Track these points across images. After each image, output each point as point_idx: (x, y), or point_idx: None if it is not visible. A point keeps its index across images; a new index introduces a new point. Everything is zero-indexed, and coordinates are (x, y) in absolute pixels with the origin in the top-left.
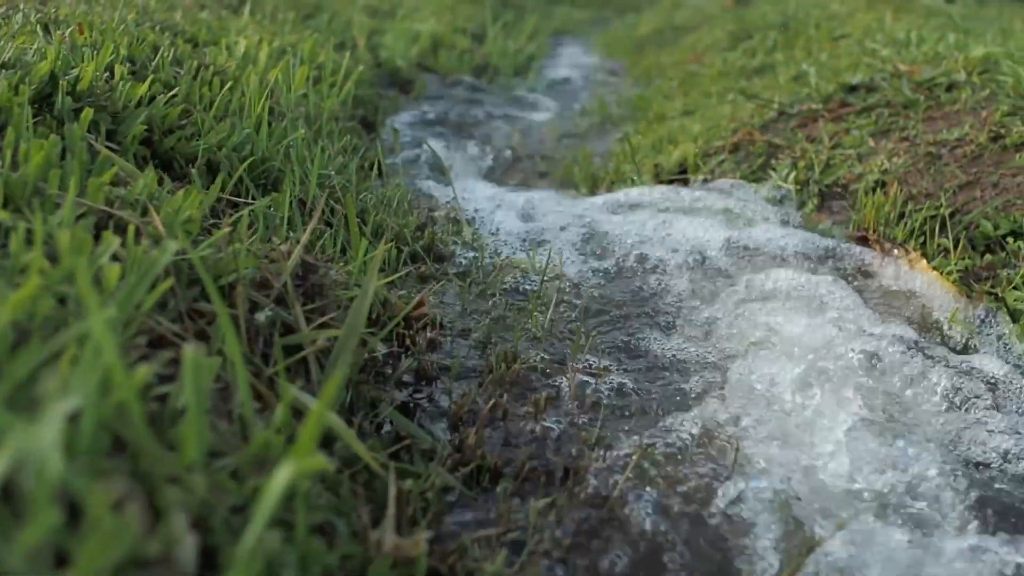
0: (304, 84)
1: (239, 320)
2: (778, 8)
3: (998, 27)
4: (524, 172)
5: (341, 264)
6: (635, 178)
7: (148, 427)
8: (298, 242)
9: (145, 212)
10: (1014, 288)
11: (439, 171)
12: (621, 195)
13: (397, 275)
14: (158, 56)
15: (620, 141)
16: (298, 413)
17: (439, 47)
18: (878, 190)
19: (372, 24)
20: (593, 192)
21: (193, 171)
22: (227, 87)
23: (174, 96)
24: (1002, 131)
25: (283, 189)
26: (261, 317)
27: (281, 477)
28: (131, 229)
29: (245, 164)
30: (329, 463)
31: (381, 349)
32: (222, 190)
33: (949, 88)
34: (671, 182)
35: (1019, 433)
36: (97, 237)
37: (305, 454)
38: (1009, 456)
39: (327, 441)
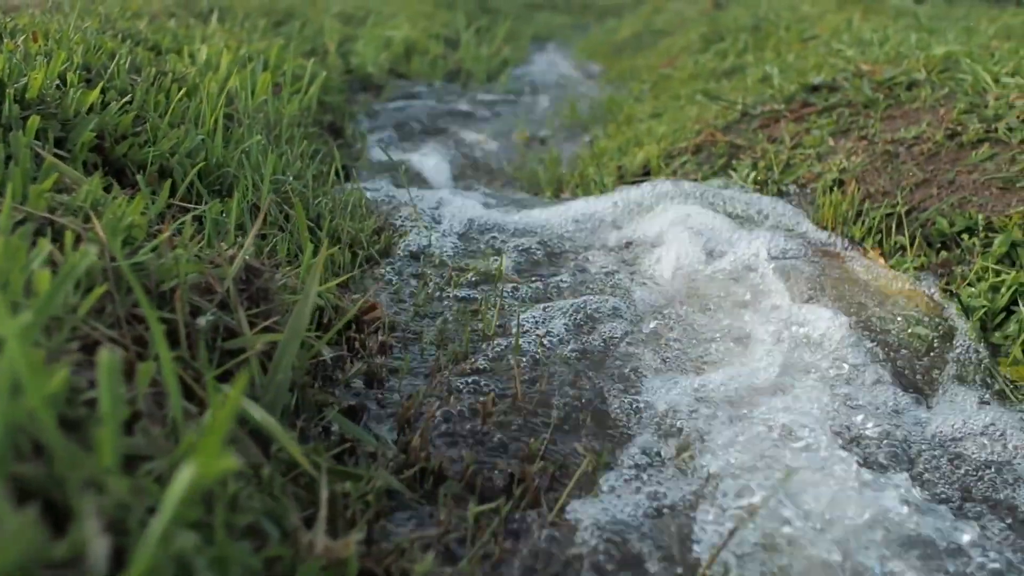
0: (266, 91)
1: (179, 325)
2: (750, 11)
3: (963, 26)
4: (490, 176)
5: (287, 268)
6: (597, 180)
7: (66, 431)
8: (242, 247)
9: (88, 219)
10: (968, 285)
11: (402, 175)
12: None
13: (345, 277)
14: (113, 63)
15: (587, 144)
16: (242, 420)
17: (412, 53)
18: (836, 189)
19: (346, 31)
20: (557, 195)
21: (139, 177)
22: (182, 93)
23: (128, 103)
24: (959, 129)
25: (236, 195)
26: (202, 322)
27: (182, 478)
28: (69, 235)
29: (195, 170)
30: (267, 466)
31: (328, 352)
32: (172, 196)
33: (909, 87)
34: (634, 183)
35: None
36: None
37: (211, 455)
38: None
39: (265, 443)
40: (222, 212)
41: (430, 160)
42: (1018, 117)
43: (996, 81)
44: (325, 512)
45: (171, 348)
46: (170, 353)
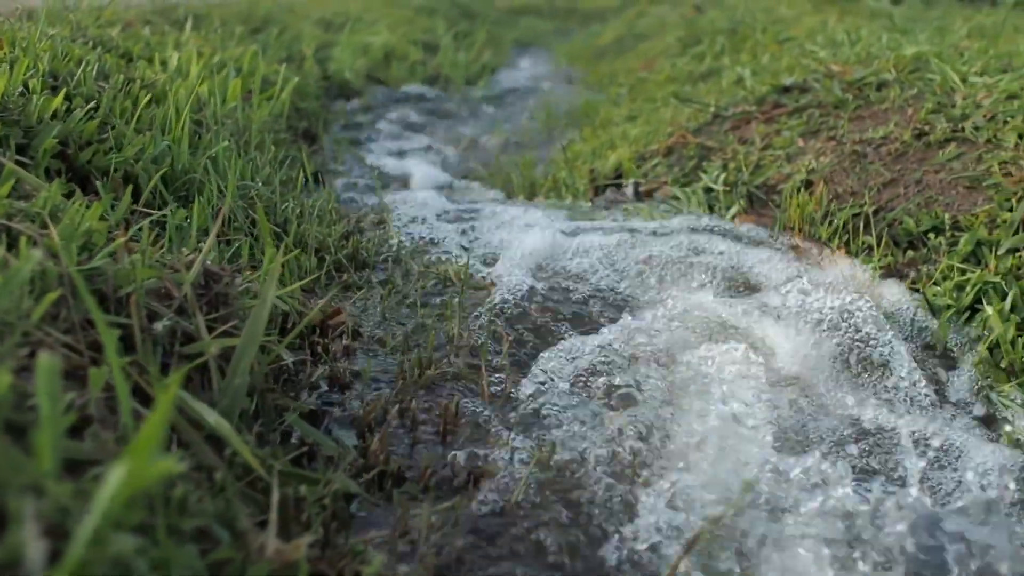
0: (236, 97)
1: (134, 330)
2: (727, 14)
3: (936, 27)
4: (465, 179)
5: (249, 273)
6: (569, 184)
7: (12, 436)
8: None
9: (46, 225)
10: (934, 284)
11: (375, 180)
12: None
13: (306, 281)
14: (80, 70)
15: (563, 148)
16: (199, 424)
17: (391, 59)
18: (803, 190)
19: (325, 37)
20: (531, 199)
21: (99, 184)
22: (147, 100)
23: (94, 110)
24: (926, 128)
25: (201, 200)
26: (159, 327)
27: (111, 481)
28: (23, 241)
29: (158, 176)
30: (221, 468)
31: (288, 357)
32: (135, 202)
33: (879, 87)
34: (607, 187)
35: None
36: None
37: (142, 458)
38: None
39: (221, 447)
40: (186, 218)
41: (404, 164)
42: (985, 116)
43: (964, 81)
44: (276, 515)
45: (127, 353)
46: (121, 358)
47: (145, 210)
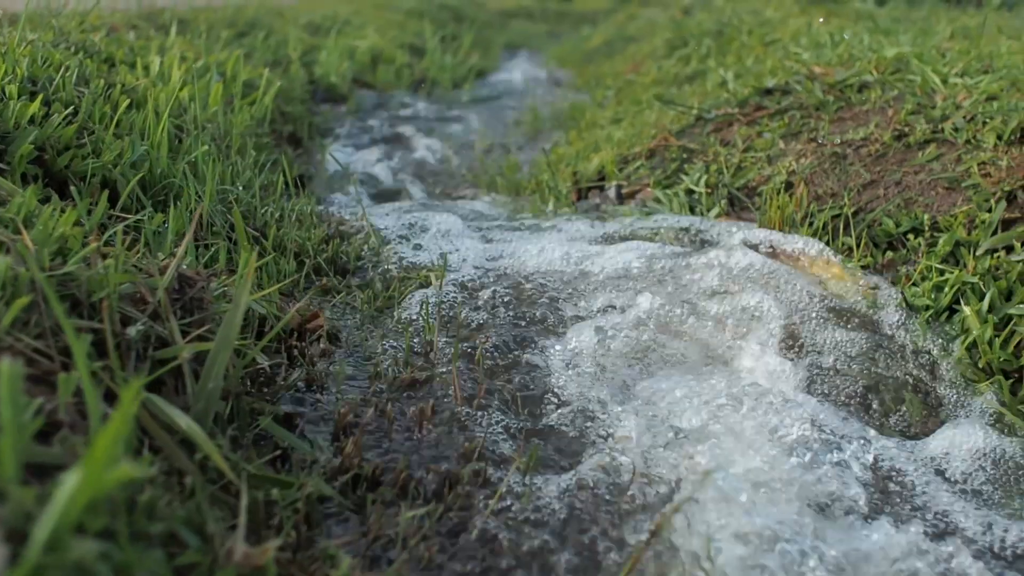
0: (218, 101)
1: (106, 335)
2: (714, 16)
3: (919, 28)
4: (449, 182)
5: (225, 277)
6: (552, 187)
7: None
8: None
9: (19, 230)
10: (913, 284)
11: (353, 184)
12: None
13: (283, 284)
14: (59, 75)
15: (544, 151)
16: (171, 428)
17: (378, 62)
18: (783, 191)
19: (312, 41)
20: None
21: (72, 189)
22: (126, 105)
23: (72, 115)
24: (906, 129)
25: (179, 205)
26: (132, 332)
27: (67, 487)
28: None
29: (134, 180)
30: (192, 471)
31: (264, 360)
32: (112, 207)
33: (860, 89)
34: (589, 190)
35: None
36: None
37: (98, 464)
38: None
39: (192, 450)
40: (164, 223)
41: (387, 167)
42: (964, 117)
43: (945, 82)
44: (244, 519)
45: (100, 358)
46: (94, 363)
47: (122, 215)
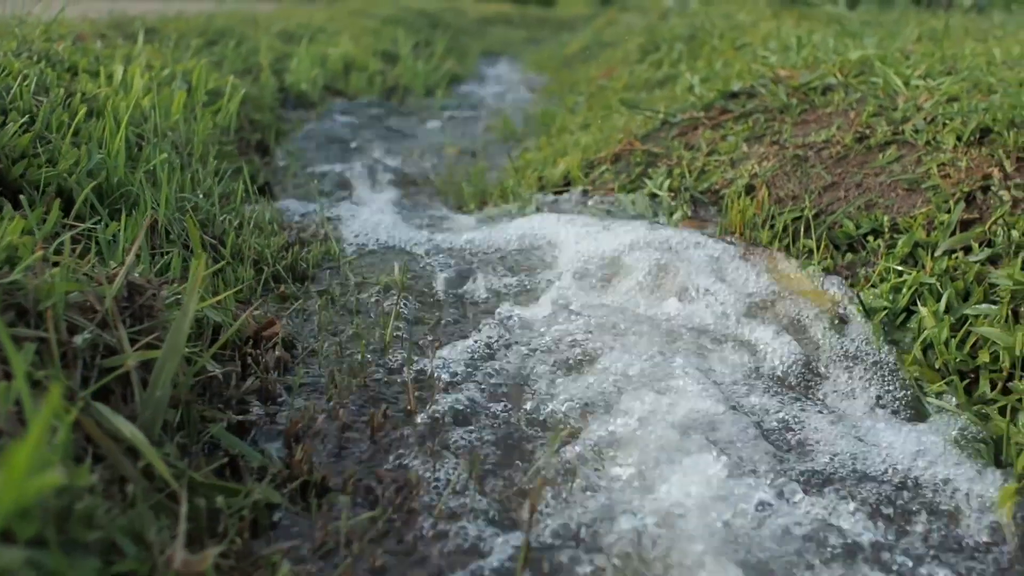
0: (180, 109)
1: (52, 344)
2: (687, 20)
3: (887, 30)
4: (417, 190)
5: (176, 285)
6: (516, 192)
7: None
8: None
9: None
10: (871, 286)
11: (316, 192)
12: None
13: (236, 290)
14: (16, 84)
15: (509, 157)
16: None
17: (351, 70)
18: (745, 194)
19: (284, 49)
20: (481, 207)
21: (23, 198)
22: (84, 113)
23: (29, 124)
24: (867, 131)
25: (135, 213)
26: (79, 340)
27: None
28: None
29: (88, 189)
30: (135, 479)
31: (215, 368)
32: (66, 215)
33: (824, 91)
34: (556, 194)
35: None
36: None
37: (17, 473)
38: None
39: (137, 457)
40: (118, 231)
41: (354, 175)
42: (925, 119)
43: (907, 84)
44: (184, 526)
45: (44, 367)
46: (34, 372)
47: (76, 224)
